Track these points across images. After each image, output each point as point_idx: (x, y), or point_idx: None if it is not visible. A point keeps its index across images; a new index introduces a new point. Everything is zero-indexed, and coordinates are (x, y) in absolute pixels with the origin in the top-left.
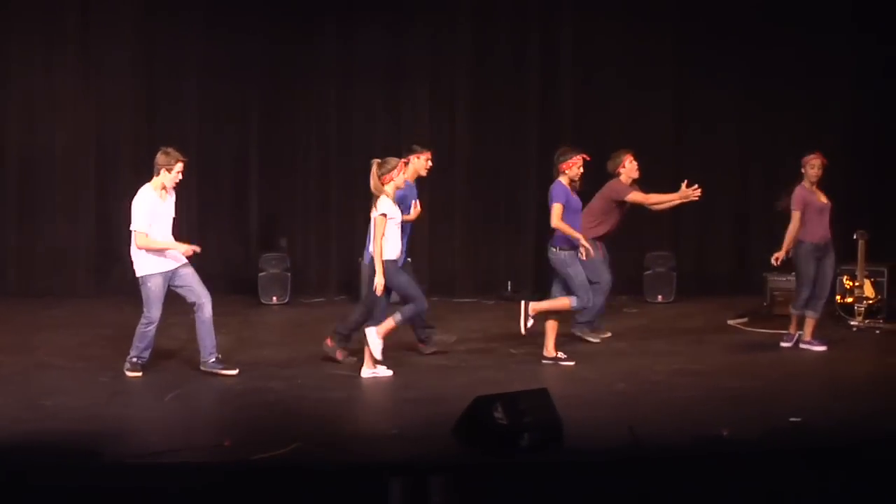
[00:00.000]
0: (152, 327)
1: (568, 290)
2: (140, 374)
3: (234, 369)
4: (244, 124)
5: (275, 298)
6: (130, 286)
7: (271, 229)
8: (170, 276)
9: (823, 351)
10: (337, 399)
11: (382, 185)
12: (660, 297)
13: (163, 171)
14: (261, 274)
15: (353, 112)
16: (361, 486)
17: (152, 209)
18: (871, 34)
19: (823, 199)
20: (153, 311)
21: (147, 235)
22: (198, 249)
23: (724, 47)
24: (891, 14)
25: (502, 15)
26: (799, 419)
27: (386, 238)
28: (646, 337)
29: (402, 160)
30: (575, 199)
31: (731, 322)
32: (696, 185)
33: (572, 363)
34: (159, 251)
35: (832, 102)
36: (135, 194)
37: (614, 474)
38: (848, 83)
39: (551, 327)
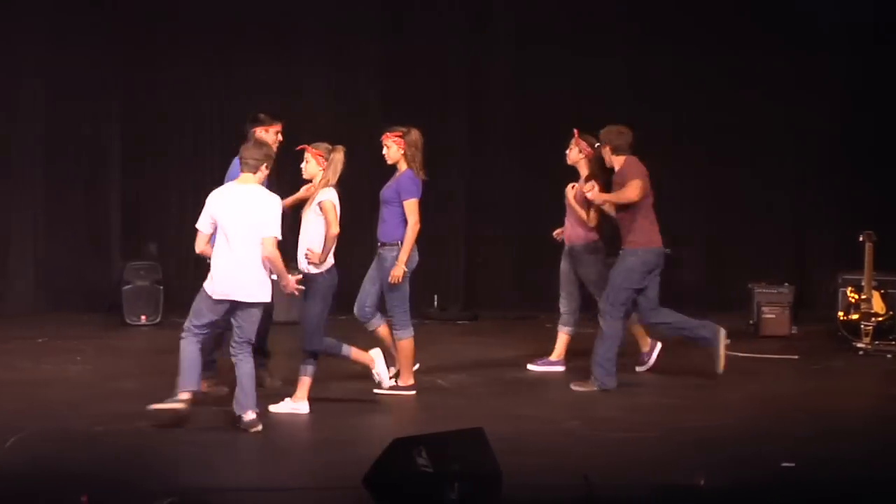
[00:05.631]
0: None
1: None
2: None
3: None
4: (101, 102)
5: (143, 317)
6: None
7: (137, 232)
8: None
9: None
10: (221, 443)
11: None
12: None
13: (263, 168)
14: (125, 287)
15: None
16: None
17: None
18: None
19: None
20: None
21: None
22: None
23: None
24: None
25: None
26: (792, 464)
27: None
28: None
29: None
30: None
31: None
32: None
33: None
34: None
35: (820, 81)
36: None
37: None
38: (841, 60)
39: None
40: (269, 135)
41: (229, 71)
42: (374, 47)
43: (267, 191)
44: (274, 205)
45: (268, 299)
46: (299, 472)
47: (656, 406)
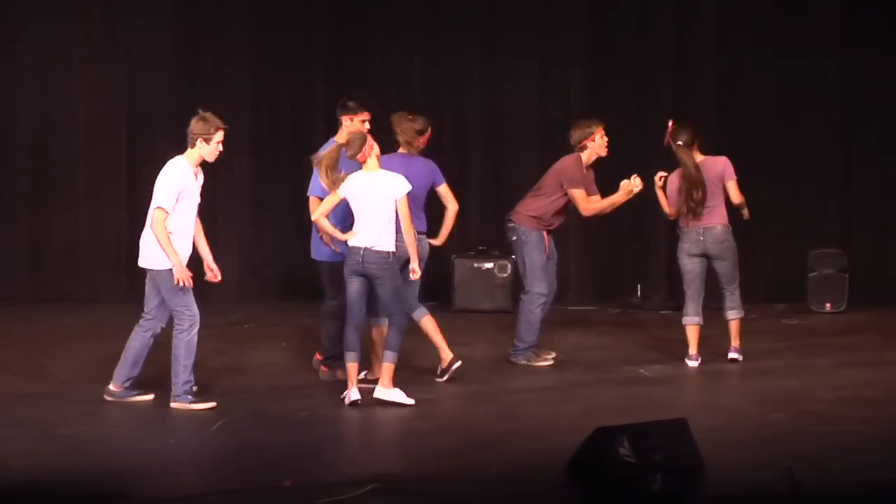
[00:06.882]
0: (196, 330)
1: None
2: (203, 405)
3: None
4: (306, 89)
5: None
6: None
7: None
8: None
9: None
10: (418, 430)
11: None
12: (828, 305)
13: (199, 142)
14: None
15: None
16: None
17: (184, 187)
18: None
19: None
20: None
21: (167, 216)
22: (217, 278)
23: None
24: None
25: None
26: None
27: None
28: (808, 355)
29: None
30: None
31: None
32: (635, 175)
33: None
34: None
35: None
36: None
37: None
38: None
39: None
40: (355, 123)
41: (434, 63)
42: (578, 39)
43: (174, 162)
44: (164, 176)
45: (152, 267)
46: (498, 460)
47: (861, 400)
